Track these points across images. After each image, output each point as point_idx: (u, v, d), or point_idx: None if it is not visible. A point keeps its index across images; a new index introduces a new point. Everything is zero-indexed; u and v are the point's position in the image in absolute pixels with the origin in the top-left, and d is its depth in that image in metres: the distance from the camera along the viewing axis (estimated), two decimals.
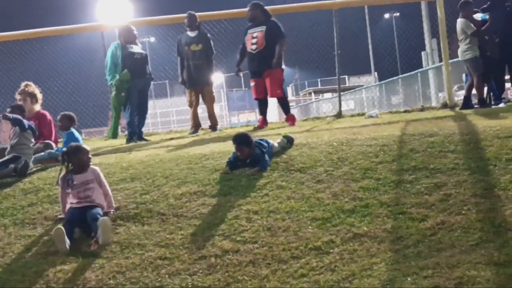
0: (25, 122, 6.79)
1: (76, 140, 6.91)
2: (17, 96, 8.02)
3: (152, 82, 10.00)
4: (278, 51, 9.22)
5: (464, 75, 17.86)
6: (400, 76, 23.66)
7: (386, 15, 45.69)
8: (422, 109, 10.73)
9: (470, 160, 5.36)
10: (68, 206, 5.03)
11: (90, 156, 5.36)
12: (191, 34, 9.79)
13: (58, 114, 7.23)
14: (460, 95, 18.16)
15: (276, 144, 6.23)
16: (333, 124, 9.36)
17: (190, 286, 4.00)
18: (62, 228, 4.60)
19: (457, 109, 9.70)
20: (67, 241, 4.58)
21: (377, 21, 44.92)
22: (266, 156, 5.84)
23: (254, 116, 29.97)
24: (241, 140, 5.93)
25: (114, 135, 9.53)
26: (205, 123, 10.47)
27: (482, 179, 4.94)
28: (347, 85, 41.05)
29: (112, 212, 5.14)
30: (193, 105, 9.91)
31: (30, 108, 7.80)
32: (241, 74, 10.13)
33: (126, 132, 9.55)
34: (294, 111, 31.20)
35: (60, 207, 5.25)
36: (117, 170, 6.20)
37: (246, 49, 9.51)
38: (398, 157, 5.67)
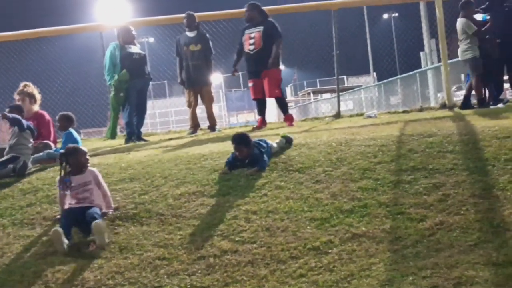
0: (24, 122, 6.79)
1: (75, 140, 6.90)
2: (16, 96, 8.02)
3: (151, 83, 9.99)
4: (275, 51, 9.23)
5: (462, 76, 17.91)
6: (399, 76, 23.67)
7: (385, 16, 45.72)
8: (421, 110, 10.73)
9: (468, 160, 5.36)
10: (66, 206, 5.03)
11: (88, 157, 5.35)
12: (190, 34, 9.79)
13: (57, 114, 7.22)
14: (459, 96, 18.19)
15: (275, 145, 6.23)
16: (331, 124, 9.36)
17: (188, 286, 4.00)
18: (60, 229, 4.59)
19: (456, 108, 9.69)
20: (65, 242, 4.58)
21: (376, 22, 44.94)
22: (265, 156, 5.84)
23: (253, 117, 29.97)
24: (240, 140, 5.93)
25: (113, 136, 9.52)
26: (204, 123, 10.47)
27: (481, 179, 4.94)
28: (346, 85, 41.09)
29: (111, 212, 5.14)
30: (192, 105, 9.91)
31: (29, 108, 7.80)
32: (237, 74, 10.15)
33: (125, 133, 9.54)
34: (293, 111, 31.22)
35: (59, 207, 5.25)
36: (116, 171, 6.20)
37: (244, 50, 9.52)
38: (397, 157, 5.67)
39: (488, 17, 9.57)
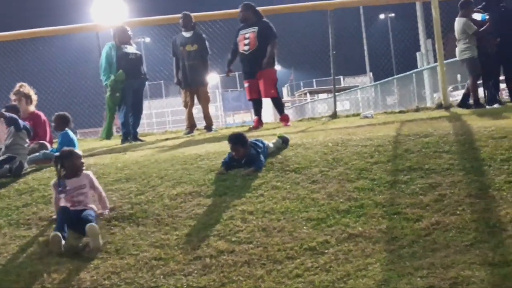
0: (20, 122, 6.77)
1: (71, 140, 6.89)
2: (12, 97, 8.00)
3: (147, 83, 9.98)
4: (270, 51, 9.23)
5: (458, 76, 17.94)
6: (395, 76, 23.71)
7: (381, 16, 45.77)
8: (417, 110, 10.74)
9: (465, 160, 5.37)
10: (62, 204, 5.01)
11: (83, 161, 5.33)
12: (186, 34, 9.78)
13: (53, 115, 7.20)
14: (455, 96, 18.23)
15: (271, 145, 6.23)
16: (328, 124, 9.37)
17: (185, 286, 4.00)
18: (59, 234, 4.57)
19: (452, 108, 9.69)
20: (63, 244, 4.56)
21: (372, 22, 45.01)
22: (261, 157, 5.84)
23: (249, 117, 29.98)
24: (236, 140, 5.93)
25: (108, 136, 9.51)
26: (200, 123, 10.46)
27: (477, 179, 4.95)
28: (342, 85, 41.11)
29: (107, 213, 5.14)
30: (188, 105, 9.90)
31: (25, 109, 7.78)
32: (231, 74, 10.17)
33: (121, 133, 9.53)
34: (289, 111, 31.23)
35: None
36: (112, 171, 6.19)
37: (238, 50, 9.53)
38: (393, 157, 5.68)
39: (487, 17, 9.58)
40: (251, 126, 9.75)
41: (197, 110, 10.30)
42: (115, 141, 9.50)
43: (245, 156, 5.84)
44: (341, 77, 44.45)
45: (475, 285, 3.43)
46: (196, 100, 10.00)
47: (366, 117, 9.95)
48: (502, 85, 10.96)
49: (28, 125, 6.97)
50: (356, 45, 40.32)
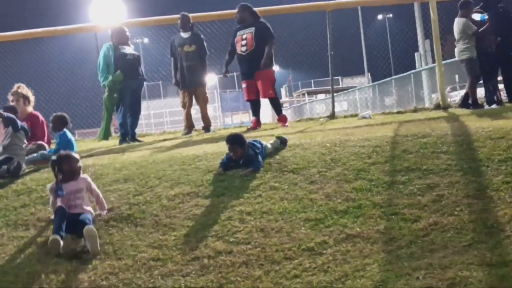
0: (18, 122, 6.77)
1: (69, 141, 6.89)
2: (10, 97, 8.00)
3: (145, 83, 9.97)
4: (268, 51, 9.24)
5: (456, 76, 17.94)
6: (394, 77, 23.74)
7: (379, 16, 45.80)
8: (415, 110, 10.75)
9: (462, 161, 5.38)
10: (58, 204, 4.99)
11: (80, 164, 5.31)
12: (184, 35, 9.79)
13: (51, 115, 7.19)
14: (453, 96, 18.25)
15: (269, 145, 6.23)
16: (326, 125, 9.37)
17: (183, 287, 3.99)
18: (58, 238, 4.55)
19: (450, 108, 9.69)
20: (61, 246, 4.55)
21: (371, 22, 45.03)
22: (259, 157, 5.84)
23: (247, 117, 29.97)
24: (234, 140, 5.93)
25: (105, 137, 9.50)
26: (199, 124, 10.46)
27: (475, 180, 4.95)
28: (340, 86, 41.15)
29: (105, 213, 5.13)
30: (187, 106, 9.91)
31: (23, 109, 7.78)
32: (228, 75, 10.18)
33: (119, 133, 9.52)
34: (287, 112, 31.22)
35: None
36: (110, 171, 6.19)
37: (236, 51, 9.53)
38: (391, 158, 5.69)
39: (486, 17, 9.59)
40: (249, 127, 9.76)
41: (195, 111, 10.31)
42: (113, 141, 9.49)
43: (243, 156, 5.84)
44: (339, 78, 44.48)
45: (473, 285, 3.44)
46: (194, 101, 10.01)
47: (364, 117, 9.95)
48: (500, 85, 10.96)
49: (26, 126, 6.97)
50: (354, 46, 40.34)
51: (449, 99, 11.78)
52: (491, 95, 9.82)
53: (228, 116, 42.53)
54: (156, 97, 36.24)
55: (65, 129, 6.97)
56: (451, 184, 4.92)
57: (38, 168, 6.61)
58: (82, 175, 5.26)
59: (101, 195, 5.25)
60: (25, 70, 14.91)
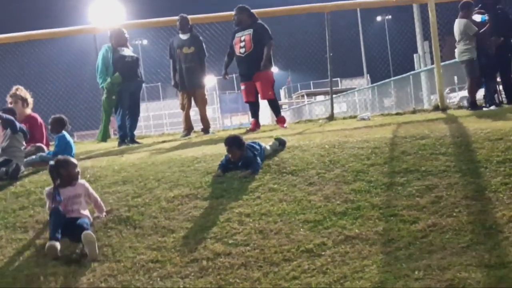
0: (17, 124, 6.76)
1: (68, 143, 6.88)
2: (8, 99, 7.98)
3: (144, 85, 9.96)
4: (266, 53, 9.24)
5: (455, 77, 17.95)
6: (393, 78, 23.75)
7: (378, 18, 45.85)
8: (414, 112, 10.75)
9: (461, 162, 5.38)
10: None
11: (78, 170, 5.29)
12: (183, 37, 9.79)
13: (49, 117, 7.19)
14: (451, 98, 18.27)
15: (268, 147, 6.24)
16: (325, 126, 9.37)
17: None
18: (55, 244, 4.53)
19: (451, 109, 9.67)
20: (59, 249, 4.54)
21: (370, 24, 45.08)
22: (258, 159, 5.84)
23: (246, 119, 29.98)
24: (232, 142, 5.94)
25: (104, 138, 9.49)
26: (198, 125, 10.46)
27: (473, 181, 4.96)
28: (339, 87, 41.17)
29: (103, 215, 5.13)
30: (186, 107, 9.91)
31: (21, 112, 7.76)
32: (228, 77, 10.19)
33: (118, 135, 9.52)
34: (286, 113, 31.22)
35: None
36: (109, 173, 6.19)
37: (235, 53, 9.54)
38: (390, 159, 5.69)
39: (487, 18, 9.59)
40: (248, 128, 9.76)
41: (194, 112, 10.31)
42: (112, 143, 9.49)
43: (241, 158, 5.84)
44: (339, 79, 44.51)
45: (472, 286, 3.44)
46: (193, 103, 10.02)
47: (363, 119, 9.96)
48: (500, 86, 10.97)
49: (25, 128, 6.96)
50: (353, 47, 40.38)
51: (448, 101, 11.79)
52: (491, 96, 9.83)
53: (227, 117, 42.55)
54: (155, 99, 36.25)
55: (63, 131, 6.96)
56: (450, 185, 4.93)
57: (37, 170, 6.61)
58: (80, 181, 5.24)
59: (99, 199, 5.24)
60: (23, 72, 14.89)
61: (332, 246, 4.28)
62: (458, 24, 9.62)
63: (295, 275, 3.97)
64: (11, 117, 6.75)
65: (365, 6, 14.51)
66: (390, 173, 5.36)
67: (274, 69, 10.00)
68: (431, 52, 13.15)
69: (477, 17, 9.69)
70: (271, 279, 3.97)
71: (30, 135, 7.17)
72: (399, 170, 5.39)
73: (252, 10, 9.64)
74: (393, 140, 6.32)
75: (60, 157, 5.39)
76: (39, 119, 8.00)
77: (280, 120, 9.81)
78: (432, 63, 13.02)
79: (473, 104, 9.65)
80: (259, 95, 9.54)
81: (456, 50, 9.81)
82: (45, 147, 7.56)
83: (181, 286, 4.02)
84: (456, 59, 10.06)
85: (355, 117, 11.02)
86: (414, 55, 19.60)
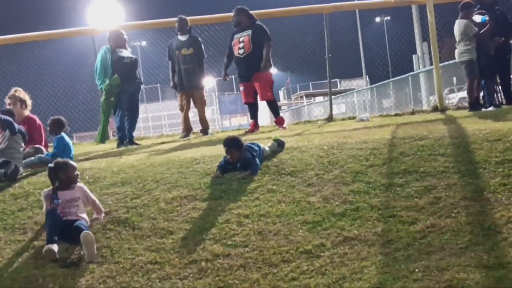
0: (16, 125, 6.76)
1: (67, 145, 6.88)
2: (7, 100, 7.98)
3: (143, 86, 9.96)
4: (266, 54, 9.25)
5: (454, 78, 17.95)
6: (391, 79, 23.76)
7: (377, 19, 45.85)
8: (413, 113, 10.76)
9: (460, 163, 5.38)
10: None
11: (78, 173, 5.29)
12: (182, 38, 9.79)
13: (48, 119, 7.18)
14: (450, 98, 18.27)
15: (267, 148, 6.23)
16: (324, 127, 9.37)
17: None
18: (52, 248, 4.52)
19: (450, 110, 9.65)
20: (56, 252, 4.53)
21: (368, 25, 45.08)
22: (257, 160, 5.84)
23: (246, 120, 30.01)
24: (231, 143, 5.93)
25: (102, 140, 9.48)
26: (197, 127, 10.47)
27: (472, 182, 4.96)
28: (338, 88, 41.17)
29: (102, 217, 5.13)
30: (184, 109, 9.91)
31: (19, 113, 7.75)
32: (228, 78, 10.20)
33: (117, 137, 9.52)
34: (285, 114, 31.22)
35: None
36: (108, 175, 6.19)
37: (233, 54, 9.54)
38: (389, 160, 5.69)
39: (487, 19, 9.58)
40: (247, 130, 9.76)
41: (193, 114, 10.31)
42: (111, 145, 9.49)
43: (240, 159, 5.84)
44: (338, 80, 44.49)
45: (470, 287, 3.44)
46: (192, 104, 10.02)
47: (362, 120, 9.96)
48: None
49: (23, 129, 6.96)
50: (352, 48, 40.38)
51: (446, 101, 11.79)
52: (490, 97, 9.84)
53: (226, 119, 42.55)
54: (154, 100, 36.25)
55: (62, 133, 6.96)
56: (448, 186, 4.93)
57: (36, 172, 6.60)
58: (79, 184, 5.23)
59: (97, 202, 5.24)
60: (22, 73, 14.89)
61: (331, 247, 4.28)
62: (458, 25, 9.62)
63: (294, 276, 3.97)
64: (10, 119, 6.75)
65: (364, 7, 14.56)
66: (389, 174, 5.36)
67: (273, 70, 10.00)
68: (430, 53, 13.15)
69: (477, 18, 9.69)
70: (270, 280, 3.97)
71: (29, 136, 7.17)
72: (398, 171, 5.39)
73: (251, 11, 9.64)
74: (392, 141, 6.32)
75: (59, 160, 5.39)
76: (38, 121, 7.99)
77: (279, 120, 9.82)
78: (431, 64, 13.03)
79: (472, 105, 9.65)
80: (258, 96, 9.54)
81: (456, 51, 9.81)
82: (43, 149, 7.55)
83: (180, 287, 4.01)
84: (456, 60, 10.05)
85: (354, 118, 11.02)
86: (413, 56, 19.57)
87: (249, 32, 9.35)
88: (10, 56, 13.27)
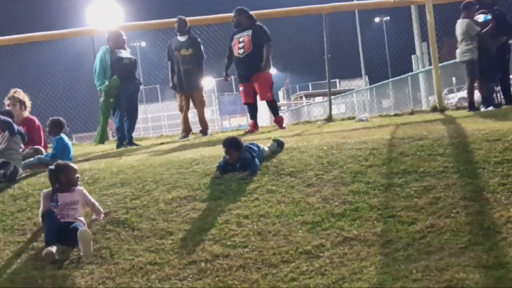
0: (15, 126, 6.76)
1: (66, 145, 6.89)
2: (6, 101, 7.98)
3: (143, 87, 9.96)
4: (266, 54, 9.26)
5: (454, 78, 17.95)
6: (391, 79, 23.76)
7: (377, 19, 45.87)
8: (412, 113, 10.76)
9: (459, 163, 5.38)
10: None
11: (78, 175, 5.28)
12: (181, 38, 9.79)
13: (47, 119, 7.19)
14: (450, 99, 18.28)
15: (266, 148, 6.23)
16: (323, 128, 9.38)
17: None
18: (52, 250, 4.51)
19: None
20: (56, 253, 4.53)
21: (368, 25, 45.09)
22: (256, 160, 5.84)
23: (245, 120, 30.02)
24: (230, 144, 5.93)
25: (101, 141, 9.48)
26: (196, 127, 10.47)
27: (471, 182, 4.96)
28: (338, 88, 41.16)
29: (102, 218, 5.12)
30: (184, 109, 9.91)
31: (19, 114, 7.76)
32: (229, 78, 10.20)
33: (116, 137, 9.52)
34: (285, 115, 31.20)
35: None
36: (107, 175, 6.18)
37: (233, 54, 9.55)
38: (388, 160, 5.69)
39: (489, 17, 9.58)
40: (246, 130, 9.76)
41: (192, 114, 10.31)
42: (110, 145, 9.49)
43: (239, 160, 5.84)
44: (337, 81, 44.50)
45: (470, 287, 3.44)
46: (191, 104, 10.02)
47: (361, 120, 9.96)
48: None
49: (23, 130, 6.96)
50: (351, 49, 40.40)
51: (446, 101, 11.78)
52: (489, 97, 9.84)
53: (225, 119, 42.56)
54: (153, 100, 36.26)
55: (61, 134, 6.96)
56: (448, 186, 4.93)
57: (35, 173, 6.60)
58: (79, 187, 5.21)
59: (96, 204, 5.23)
60: (21, 74, 14.89)
61: (331, 247, 4.28)
62: (460, 25, 9.62)
63: (294, 277, 3.96)
64: (9, 119, 6.75)
65: (363, 7, 14.56)
66: (388, 174, 5.36)
67: (273, 71, 10.01)
68: (429, 53, 13.13)
69: (480, 17, 9.68)
70: (269, 281, 3.97)
71: (28, 137, 7.17)
72: (397, 171, 5.39)
73: (251, 12, 9.65)
74: (391, 141, 6.32)
75: (60, 162, 5.38)
76: (37, 122, 8.00)
77: (278, 120, 9.83)
78: (430, 64, 13.02)
79: (471, 105, 9.66)
80: (258, 97, 9.55)
81: (457, 51, 9.81)
82: (43, 150, 7.56)
83: None
84: (457, 60, 10.05)
85: (353, 118, 11.03)
86: (412, 56, 19.56)
87: (249, 32, 9.36)
88: (9, 57, 13.27)
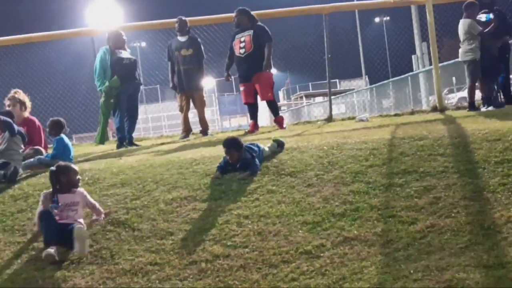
0: (15, 126, 6.76)
1: (66, 146, 6.89)
2: (6, 102, 7.98)
3: (143, 87, 9.96)
4: (267, 54, 9.26)
5: (454, 78, 17.95)
6: (391, 79, 23.77)
7: (377, 19, 45.88)
8: (412, 113, 10.76)
9: (459, 163, 5.38)
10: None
11: (79, 177, 5.27)
12: (182, 39, 9.79)
13: (48, 120, 7.19)
14: (450, 98, 18.28)
15: (266, 148, 6.23)
16: (323, 128, 9.38)
17: None
18: (52, 252, 4.50)
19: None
20: (55, 255, 4.52)
21: (368, 25, 45.10)
22: (257, 161, 5.84)
23: (245, 121, 30.02)
24: (231, 144, 5.93)
25: (102, 141, 9.48)
26: (196, 127, 10.47)
27: (471, 182, 4.96)
28: (338, 89, 41.18)
29: (102, 218, 5.12)
30: (184, 109, 9.91)
31: (19, 115, 7.76)
32: (230, 78, 10.20)
33: (117, 138, 9.51)
34: (285, 115, 31.20)
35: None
36: (108, 176, 6.18)
37: (234, 54, 9.55)
38: (388, 160, 5.69)
39: (492, 17, 9.57)
40: (246, 130, 9.76)
41: (192, 114, 10.31)
42: (111, 146, 9.49)
43: (239, 160, 5.84)
44: (337, 81, 44.52)
45: (470, 287, 3.44)
46: (192, 104, 10.02)
47: (362, 120, 9.96)
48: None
49: (23, 131, 6.96)
50: (351, 49, 40.40)
51: (446, 101, 11.78)
52: (489, 97, 9.83)
53: (226, 119, 42.57)
54: (153, 101, 36.27)
55: (62, 134, 6.96)
56: (448, 186, 4.93)
57: (35, 173, 6.60)
58: (79, 189, 5.20)
59: (97, 205, 5.22)
60: (21, 74, 14.89)
61: (331, 247, 4.28)
62: (463, 24, 9.62)
63: (294, 277, 3.96)
64: (9, 120, 6.75)
65: (363, 7, 14.57)
66: (389, 174, 5.36)
67: (273, 71, 10.01)
68: (429, 53, 13.14)
69: (482, 17, 9.67)
70: (270, 281, 3.97)
71: (28, 138, 7.17)
72: (398, 171, 5.39)
73: (252, 12, 9.65)
74: (392, 141, 6.32)
75: (61, 163, 5.36)
76: (37, 122, 8.00)
77: (279, 120, 9.83)
78: (430, 64, 13.03)
79: (471, 105, 9.65)
80: (259, 97, 9.55)
81: (460, 50, 9.80)
82: (43, 150, 7.56)
83: None
84: (459, 59, 10.03)
85: (353, 118, 11.02)
86: (412, 56, 19.56)
87: (250, 32, 9.36)
88: (9, 57, 13.27)
